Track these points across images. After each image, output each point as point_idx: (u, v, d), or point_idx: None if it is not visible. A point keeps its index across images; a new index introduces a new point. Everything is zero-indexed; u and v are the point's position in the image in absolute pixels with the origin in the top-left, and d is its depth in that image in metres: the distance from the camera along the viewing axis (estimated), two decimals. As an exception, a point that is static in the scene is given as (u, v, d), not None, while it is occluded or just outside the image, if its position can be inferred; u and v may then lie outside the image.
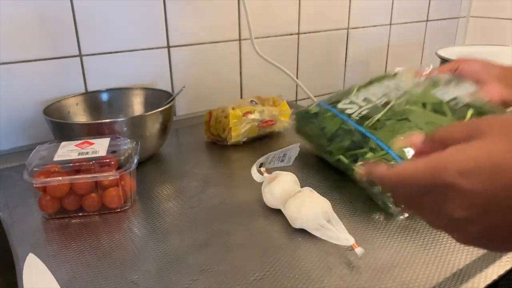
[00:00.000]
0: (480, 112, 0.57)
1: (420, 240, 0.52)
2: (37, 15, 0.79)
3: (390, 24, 1.35)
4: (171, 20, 0.93)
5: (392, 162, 0.54)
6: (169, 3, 0.92)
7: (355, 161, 0.59)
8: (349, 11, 1.23)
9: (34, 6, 0.78)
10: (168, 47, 0.95)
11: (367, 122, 0.60)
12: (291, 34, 1.13)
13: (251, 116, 0.81)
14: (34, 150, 0.61)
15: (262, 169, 0.64)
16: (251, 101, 0.87)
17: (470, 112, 0.57)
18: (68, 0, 0.81)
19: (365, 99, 0.65)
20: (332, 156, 0.64)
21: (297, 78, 1.15)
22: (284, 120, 0.87)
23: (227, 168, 0.74)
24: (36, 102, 0.83)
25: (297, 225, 0.54)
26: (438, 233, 0.53)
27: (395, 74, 0.69)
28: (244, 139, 0.82)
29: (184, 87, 0.84)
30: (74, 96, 0.83)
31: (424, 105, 0.59)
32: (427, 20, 1.44)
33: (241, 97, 1.11)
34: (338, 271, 0.47)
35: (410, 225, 0.55)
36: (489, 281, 0.45)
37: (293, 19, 1.13)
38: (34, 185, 0.56)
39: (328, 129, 0.64)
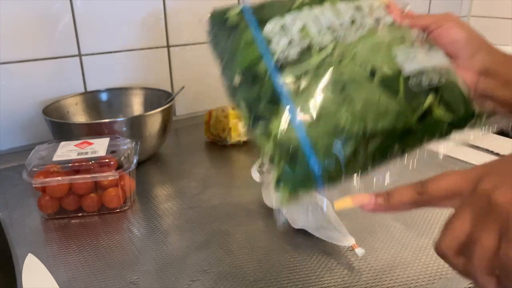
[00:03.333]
0: (444, 102, 0.39)
1: (421, 241, 0.52)
2: (37, 15, 0.79)
3: (390, 24, 1.34)
4: (171, 20, 0.93)
5: (297, 150, 0.37)
6: (169, 3, 0.92)
7: (254, 123, 0.40)
8: (349, 11, 1.22)
9: (34, 6, 0.78)
10: (168, 46, 0.95)
11: (289, 72, 0.40)
12: (291, 34, 1.13)
13: (251, 116, 0.81)
14: (33, 150, 0.61)
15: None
16: (251, 101, 0.86)
17: (429, 99, 0.39)
18: (68, 0, 0.81)
19: (302, 30, 0.41)
20: (233, 99, 0.45)
21: (297, 78, 1.15)
22: (284, 120, 0.86)
23: (227, 168, 0.74)
24: (35, 102, 0.83)
25: (297, 225, 0.53)
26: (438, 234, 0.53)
27: None
28: (244, 139, 0.82)
29: (183, 87, 0.84)
30: (73, 96, 0.82)
31: (373, 72, 0.39)
32: (427, 20, 1.44)
33: (241, 97, 1.10)
34: (339, 272, 0.46)
35: (410, 226, 0.54)
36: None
37: (293, 19, 1.12)
38: (34, 185, 0.56)
39: (240, 62, 0.43)
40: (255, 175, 0.62)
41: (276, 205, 0.41)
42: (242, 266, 0.48)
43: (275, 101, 0.39)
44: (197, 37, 0.98)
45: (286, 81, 0.39)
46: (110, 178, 0.57)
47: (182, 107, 1.02)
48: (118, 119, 0.68)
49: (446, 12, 0.43)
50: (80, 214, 0.59)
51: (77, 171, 0.57)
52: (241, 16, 0.45)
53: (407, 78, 0.39)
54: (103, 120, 0.68)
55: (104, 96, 0.86)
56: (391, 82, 0.39)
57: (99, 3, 0.84)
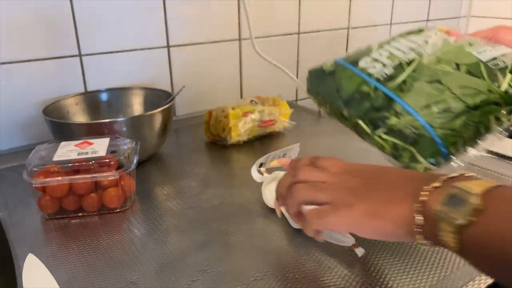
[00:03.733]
0: None
1: (421, 240, 0.52)
2: (37, 15, 0.79)
3: (390, 24, 1.35)
4: (171, 20, 0.93)
5: (419, 130, 0.48)
6: (169, 3, 0.92)
7: (376, 127, 0.52)
8: (350, 11, 1.23)
9: (34, 6, 0.78)
10: (168, 47, 0.95)
11: (391, 83, 0.52)
12: (291, 34, 1.13)
13: (251, 116, 0.81)
14: (34, 150, 0.61)
15: (262, 169, 0.64)
16: (251, 101, 0.87)
17: (509, 76, 0.51)
18: (68, 0, 0.81)
19: (389, 56, 0.55)
20: (348, 122, 0.56)
21: (297, 78, 1.15)
22: (284, 120, 0.87)
23: (227, 168, 0.74)
24: (35, 102, 0.83)
25: (297, 225, 0.53)
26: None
27: (421, 30, 0.60)
28: (244, 139, 0.82)
29: (184, 87, 0.84)
30: (73, 96, 0.83)
31: (457, 65, 0.52)
32: (427, 20, 1.44)
33: (241, 97, 1.11)
34: (338, 272, 0.47)
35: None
36: (489, 281, 0.45)
37: (293, 19, 1.12)
38: (34, 185, 0.56)
39: (346, 90, 0.55)
40: (255, 175, 0.62)
41: None
42: (242, 266, 0.48)
43: (386, 106, 0.51)
44: (197, 37, 0.98)
45: (392, 88, 0.51)
46: (110, 178, 0.57)
47: (182, 107, 1.02)
48: (118, 119, 0.68)
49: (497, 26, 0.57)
50: (80, 214, 0.59)
51: (77, 171, 0.57)
52: (335, 65, 0.59)
53: (485, 64, 0.51)
54: (103, 120, 0.68)
55: (104, 96, 0.86)
56: (474, 69, 0.51)
57: (99, 3, 0.84)
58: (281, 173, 0.59)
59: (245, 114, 0.80)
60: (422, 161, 0.48)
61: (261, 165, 0.63)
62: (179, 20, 0.94)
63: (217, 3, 0.98)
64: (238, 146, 0.82)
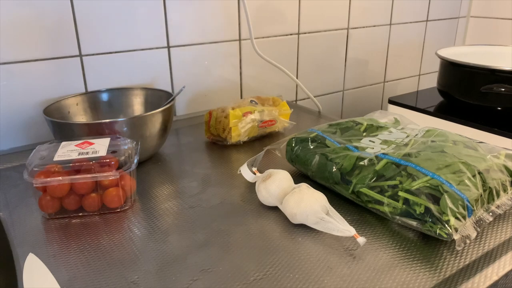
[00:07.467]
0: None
1: (420, 241, 0.52)
2: (37, 15, 0.79)
3: (390, 24, 1.35)
4: (171, 20, 0.93)
5: (441, 186, 0.51)
6: (169, 3, 0.92)
7: (382, 192, 0.55)
8: (349, 11, 1.23)
9: (34, 6, 0.78)
10: (168, 47, 0.95)
11: (396, 154, 0.58)
12: (291, 34, 1.14)
13: (251, 116, 0.81)
14: (34, 150, 0.61)
15: (254, 168, 0.64)
16: (251, 101, 0.87)
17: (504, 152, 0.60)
18: (68, 0, 0.81)
19: (385, 142, 0.63)
20: (346, 190, 0.59)
21: (297, 78, 1.15)
22: (284, 120, 0.87)
23: (227, 168, 0.74)
24: (36, 102, 0.83)
25: (297, 220, 0.54)
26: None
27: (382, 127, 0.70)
28: (244, 139, 0.82)
29: (184, 87, 0.85)
30: (74, 96, 0.83)
31: (454, 142, 0.61)
32: (427, 20, 1.44)
33: (241, 97, 1.11)
34: (338, 271, 0.47)
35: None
36: (489, 281, 0.45)
37: (293, 19, 1.13)
38: (34, 185, 0.56)
39: (345, 166, 0.59)
40: (247, 175, 0.62)
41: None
42: (242, 266, 0.48)
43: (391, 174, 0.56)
44: (197, 37, 0.99)
45: (399, 156, 0.57)
46: (110, 178, 0.58)
47: (183, 107, 1.02)
48: (119, 119, 0.68)
49: None
50: (80, 214, 0.59)
51: (78, 171, 0.57)
52: (317, 136, 0.67)
53: (478, 143, 0.61)
54: (103, 120, 0.68)
55: (104, 96, 0.86)
56: (471, 145, 0.60)
57: (99, 3, 0.84)
58: (275, 171, 0.60)
59: (245, 114, 0.80)
60: (449, 215, 0.49)
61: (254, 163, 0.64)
62: (179, 20, 0.94)
63: (217, 3, 0.99)
64: (238, 146, 0.82)
